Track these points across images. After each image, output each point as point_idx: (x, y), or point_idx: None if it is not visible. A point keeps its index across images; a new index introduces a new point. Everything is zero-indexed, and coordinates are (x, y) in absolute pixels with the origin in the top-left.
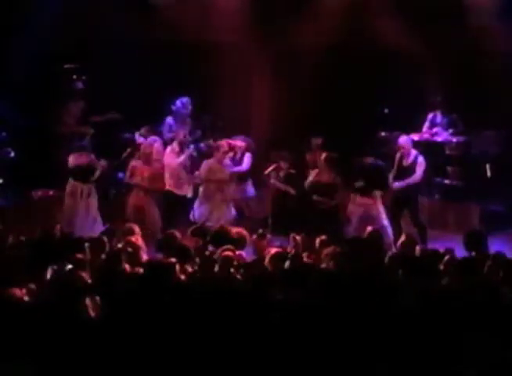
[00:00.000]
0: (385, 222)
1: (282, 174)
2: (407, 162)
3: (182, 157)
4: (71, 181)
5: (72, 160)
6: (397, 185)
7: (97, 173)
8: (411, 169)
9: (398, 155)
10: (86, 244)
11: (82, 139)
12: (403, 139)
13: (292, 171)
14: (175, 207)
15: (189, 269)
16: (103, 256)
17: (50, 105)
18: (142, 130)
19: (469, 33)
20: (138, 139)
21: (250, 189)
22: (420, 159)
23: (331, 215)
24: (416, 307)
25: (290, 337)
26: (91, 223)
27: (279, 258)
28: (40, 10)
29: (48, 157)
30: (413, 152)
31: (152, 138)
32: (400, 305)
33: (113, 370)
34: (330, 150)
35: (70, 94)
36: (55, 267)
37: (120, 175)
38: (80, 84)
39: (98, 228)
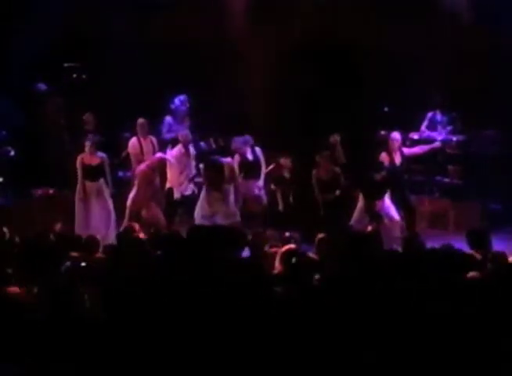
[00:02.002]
0: (395, 215)
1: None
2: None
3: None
4: (81, 180)
5: (83, 160)
6: None
7: (107, 170)
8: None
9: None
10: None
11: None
12: (396, 135)
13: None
14: (176, 205)
15: None
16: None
17: (35, 104)
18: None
19: (468, 32)
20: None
21: (254, 187)
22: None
23: (332, 208)
24: (414, 305)
25: (292, 334)
26: (106, 220)
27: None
28: (40, 10)
29: (48, 155)
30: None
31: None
32: (398, 303)
33: (115, 368)
34: (348, 145)
35: (42, 94)
36: (68, 264)
37: (120, 173)
38: (42, 86)
39: (112, 225)
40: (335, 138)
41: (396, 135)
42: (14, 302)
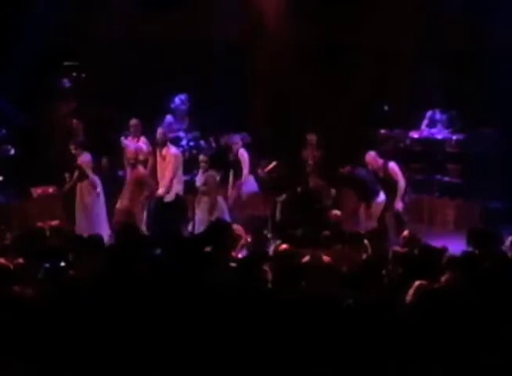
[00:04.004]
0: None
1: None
2: (381, 175)
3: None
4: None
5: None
6: (399, 205)
7: (87, 171)
8: (388, 179)
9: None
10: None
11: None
12: (367, 156)
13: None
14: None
15: None
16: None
17: (42, 104)
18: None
19: (468, 31)
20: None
21: (250, 185)
22: (391, 166)
23: (322, 216)
24: (415, 304)
25: (290, 334)
26: (94, 221)
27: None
28: (40, 10)
29: (48, 154)
30: (380, 163)
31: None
32: (400, 303)
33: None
34: (324, 146)
35: (59, 93)
36: (47, 265)
37: (120, 172)
38: (67, 83)
39: (103, 226)
40: (311, 137)
41: (368, 157)
42: (16, 301)
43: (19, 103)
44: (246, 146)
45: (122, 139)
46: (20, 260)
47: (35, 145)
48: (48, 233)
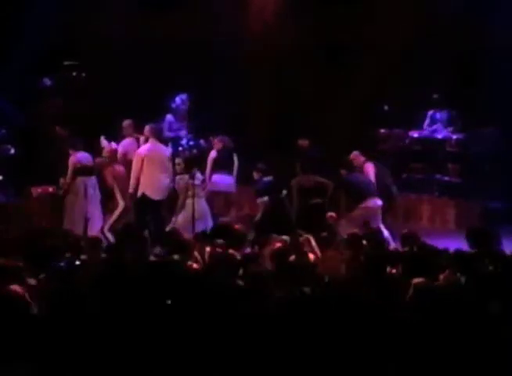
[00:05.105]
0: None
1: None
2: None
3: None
4: None
5: None
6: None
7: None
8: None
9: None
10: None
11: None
12: (352, 154)
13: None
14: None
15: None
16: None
17: (38, 103)
18: None
19: (468, 31)
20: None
21: (218, 185)
22: (366, 165)
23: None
24: (414, 303)
25: (288, 334)
26: (80, 221)
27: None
28: (40, 9)
29: (48, 154)
30: (361, 160)
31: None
32: (400, 302)
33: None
34: (316, 151)
35: (43, 92)
36: (60, 264)
37: None
38: (47, 82)
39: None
40: (303, 142)
41: (352, 155)
42: (16, 301)
43: (19, 103)
44: (225, 148)
45: (102, 138)
46: (20, 260)
47: (35, 145)
48: (49, 233)
